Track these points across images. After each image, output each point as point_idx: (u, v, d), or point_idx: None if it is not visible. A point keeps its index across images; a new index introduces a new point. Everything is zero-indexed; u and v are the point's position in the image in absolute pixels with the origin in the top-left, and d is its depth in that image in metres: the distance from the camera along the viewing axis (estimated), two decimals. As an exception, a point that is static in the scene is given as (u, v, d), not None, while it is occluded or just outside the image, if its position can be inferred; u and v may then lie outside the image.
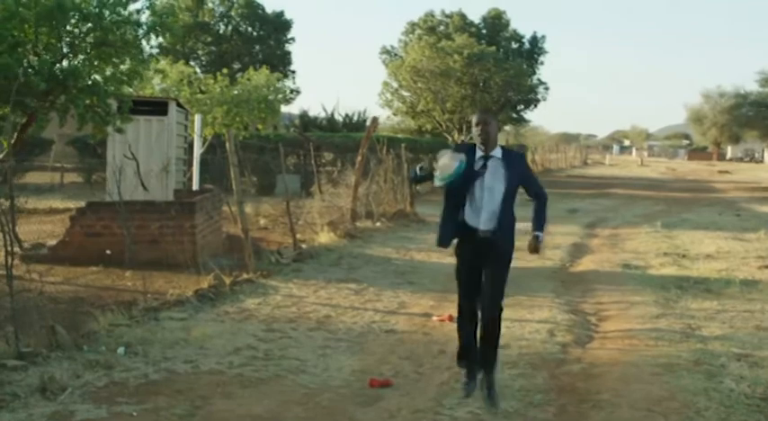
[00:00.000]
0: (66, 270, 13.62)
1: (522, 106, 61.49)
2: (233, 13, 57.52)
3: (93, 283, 12.89)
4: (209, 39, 56.06)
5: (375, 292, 12.91)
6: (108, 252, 14.03)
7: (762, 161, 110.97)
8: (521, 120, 67.05)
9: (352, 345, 9.68)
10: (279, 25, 58.46)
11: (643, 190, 43.60)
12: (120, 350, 8.88)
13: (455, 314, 7.97)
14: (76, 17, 12.69)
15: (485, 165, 7.43)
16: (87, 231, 14.83)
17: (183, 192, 17.44)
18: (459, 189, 7.43)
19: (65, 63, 12.90)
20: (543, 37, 62.23)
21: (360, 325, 10.69)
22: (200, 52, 55.97)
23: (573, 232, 22.21)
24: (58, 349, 8.62)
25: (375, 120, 23.78)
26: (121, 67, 13.57)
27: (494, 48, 54.36)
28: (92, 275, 13.42)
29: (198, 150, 21.40)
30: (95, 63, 13.30)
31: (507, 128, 75.12)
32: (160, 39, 15.05)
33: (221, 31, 57.12)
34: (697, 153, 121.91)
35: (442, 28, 59.92)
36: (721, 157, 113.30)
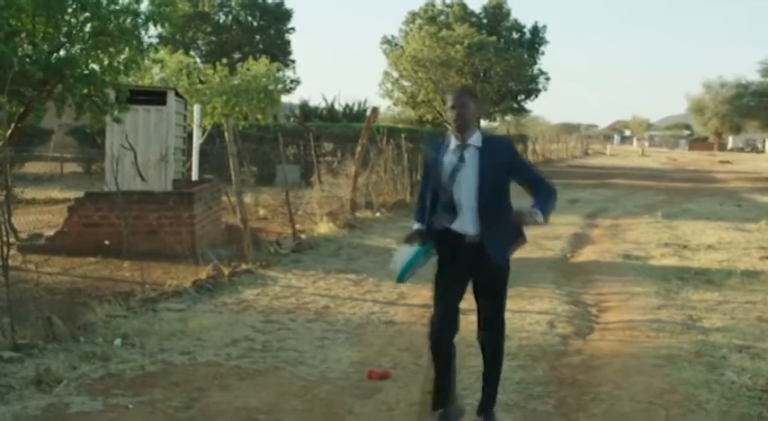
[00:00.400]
0: (63, 260, 13.56)
1: (523, 96, 61.47)
2: (233, 3, 57.52)
3: (91, 274, 12.83)
4: (209, 28, 56.04)
5: (374, 283, 12.84)
6: (106, 242, 13.96)
7: (763, 151, 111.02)
8: (521, 111, 67.02)
9: (351, 337, 9.62)
10: (279, 15, 58.44)
11: (644, 180, 43.53)
12: (117, 341, 8.82)
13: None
14: (74, 6, 12.61)
15: (462, 157, 6.29)
16: (85, 222, 14.77)
17: (181, 183, 17.38)
18: (440, 189, 6.37)
19: (62, 52, 12.82)
20: (544, 27, 62.24)
21: (359, 316, 10.62)
22: (200, 42, 55.95)
23: (573, 222, 22.13)
24: (55, 341, 8.56)
25: (375, 110, 23.66)
26: (120, 56, 13.50)
27: (494, 38, 54.30)
28: (90, 266, 13.36)
29: (197, 140, 21.34)
30: (93, 52, 13.22)
31: (508, 117, 75.10)
32: (159, 28, 14.95)
33: (221, 21, 57.10)
34: (698, 143, 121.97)
35: (442, 18, 59.84)
36: (722, 148, 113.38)
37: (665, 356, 8.79)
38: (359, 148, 21.65)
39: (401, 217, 21.96)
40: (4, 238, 8.79)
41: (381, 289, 12.45)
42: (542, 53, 61.75)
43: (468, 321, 6.69)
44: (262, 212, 21.79)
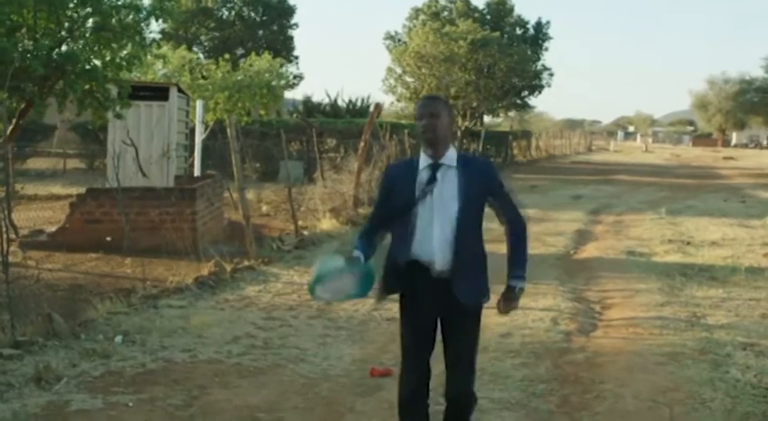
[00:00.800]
0: (65, 257, 13.52)
1: (527, 92, 61.25)
2: (236, -1, 57.39)
3: (93, 270, 12.80)
4: (212, 24, 55.93)
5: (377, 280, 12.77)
6: (108, 239, 13.94)
7: (767, 147, 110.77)
8: (525, 107, 66.80)
9: (353, 334, 9.58)
10: (282, 11, 58.34)
11: (647, 176, 43.44)
12: (118, 339, 8.79)
13: None
14: (75, 1, 12.59)
15: (434, 177, 5.29)
16: (87, 218, 14.73)
17: (183, 179, 17.35)
18: (403, 213, 5.32)
19: (63, 48, 12.78)
20: (548, 23, 61.96)
21: (361, 313, 10.56)
22: (202, 38, 55.86)
23: (577, 218, 22.09)
24: (55, 338, 8.53)
25: (378, 105, 23.59)
26: (122, 52, 13.46)
27: (498, 33, 54.11)
28: (91, 262, 13.33)
29: (199, 136, 21.31)
30: (95, 48, 13.19)
31: (512, 114, 74.94)
32: (161, 23, 14.93)
33: (224, 17, 57.00)
34: (702, 139, 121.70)
35: (446, 13, 59.66)
36: (726, 144, 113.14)
37: (668, 354, 8.75)
38: (362, 144, 21.59)
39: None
40: (4, 234, 8.76)
41: (384, 285, 12.38)
42: (546, 49, 61.55)
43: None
44: (264, 208, 21.75)
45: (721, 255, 15.51)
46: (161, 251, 13.52)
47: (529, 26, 61.31)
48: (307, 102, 48.55)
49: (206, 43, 55.77)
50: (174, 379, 7.63)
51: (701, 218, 22.34)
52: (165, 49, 27.21)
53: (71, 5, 12.63)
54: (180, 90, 17.76)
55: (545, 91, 68.60)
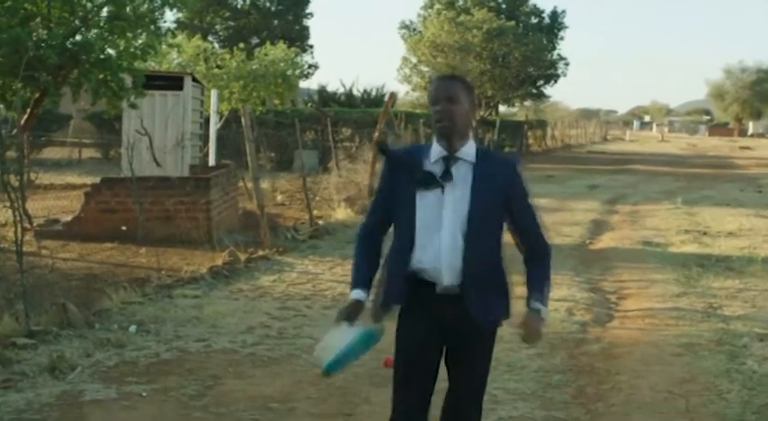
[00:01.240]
0: (80, 246, 13.53)
1: (542, 82, 61.10)
2: (251, -12, 57.35)
3: (108, 260, 12.80)
4: (227, 13, 55.91)
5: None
6: (123, 228, 13.94)
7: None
8: (540, 96, 66.65)
9: (368, 323, 9.53)
10: (297, 0, 58.23)
11: (663, 166, 43.29)
12: (132, 328, 8.78)
13: None
14: (90, -10, 12.59)
15: (447, 173, 4.31)
16: (102, 207, 14.72)
17: (198, 168, 17.34)
18: (407, 215, 4.36)
19: (78, 37, 12.78)
20: (563, 12, 61.75)
21: (376, 303, 10.52)
22: (217, 27, 55.87)
23: (593, 208, 22.03)
24: (69, 327, 8.53)
25: (393, 95, 23.55)
26: (136, 41, 13.47)
27: (513, 22, 53.99)
28: (106, 252, 13.34)
29: (214, 126, 21.30)
30: (109, 37, 13.19)
31: (527, 103, 74.76)
32: (176, 13, 14.94)
33: (239, 6, 56.94)
34: (718, 129, 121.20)
35: (461, 2, 59.49)
36: (743, 133, 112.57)
37: (685, 345, 8.70)
38: (376, 134, 21.56)
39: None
40: (19, 223, 8.77)
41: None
42: (561, 38, 61.42)
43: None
44: (279, 198, 21.75)
45: (738, 246, 15.43)
46: (176, 240, 13.52)
47: (544, 15, 61.11)
48: (322, 91, 48.54)
49: (221, 33, 55.77)
50: (188, 368, 7.61)
51: (717, 208, 22.26)
52: (180, 38, 27.29)
53: (85, -6, 12.65)
54: (195, 79, 17.76)
55: (560, 80, 68.18)
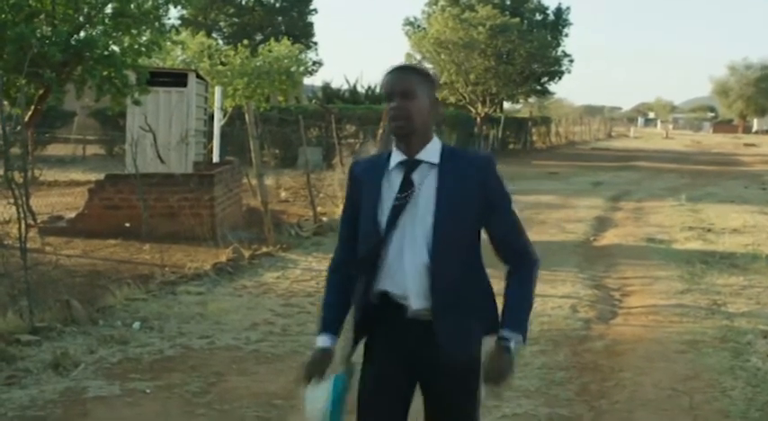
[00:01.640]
0: (84, 243, 13.54)
1: (547, 78, 61.01)
2: (255, -16, 57.37)
3: (111, 257, 12.81)
4: (231, 10, 55.94)
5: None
6: (127, 225, 13.94)
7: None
8: (545, 93, 66.58)
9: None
10: (301, -4, 58.27)
11: (667, 163, 43.25)
12: (136, 325, 8.79)
13: None
14: (94, -13, 12.59)
15: (408, 182, 3.70)
16: (106, 204, 14.73)
17: (202, 165, 17.33)
18: (369, 232, 3.74)
19: (82, 34, 12.79)
20: (568, 9, 61.77)
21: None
22: (222, 24, 55.91)
23: (597, 205, 21.99)
24: (73, 324, 8.55)
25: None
26: (140, 38, 13.47)
27: (518, 19, 53.88)
28: (110, 248, 13.34)
29: (218, 122, 21.29)
30: (113, 34, 13.19)
31: (531, 100, 74.68)
32: (180, 9, 14.94)
33: (243, 3, 56.97)
34: (722, 126, 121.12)
35: (465, -1, 59.50)
36: (747, 130, 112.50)
37: (688, 342, 8.69)
38: (381, 130, 21.54)
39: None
40: (23, 220, 8.79)
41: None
42: (566, 35, 61.33)
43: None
44: (283, 195, 21.74)
45: (742, 243, 15.41)
46: (179, 237, 13.51)
47: (549, 12, 61.03)
48: (326, 88, 48.54)
49: (225, 29, 55.82)
50: (192, 365, 7.62)
51: (721, 205, 22.23)
52: (184, 35, 27.29)
53: (89, -9, 12.65)
54: (199, 76, 17.74)
55: (565, 77, 68.24)
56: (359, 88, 47.46)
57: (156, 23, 13.47)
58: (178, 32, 24.99)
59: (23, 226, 8.76)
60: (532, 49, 52.56)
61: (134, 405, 6.60)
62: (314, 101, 44.85)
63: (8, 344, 7.72)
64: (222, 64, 27.64)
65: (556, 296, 10.79)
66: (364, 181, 3.84)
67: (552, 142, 61.31)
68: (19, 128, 10.30)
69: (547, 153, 50.04)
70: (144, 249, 13.06)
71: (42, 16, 12.38)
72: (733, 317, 9.82)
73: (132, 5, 12.99)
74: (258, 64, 28.50)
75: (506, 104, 65.37)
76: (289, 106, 34.87)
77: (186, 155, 15.97)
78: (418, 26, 60.94)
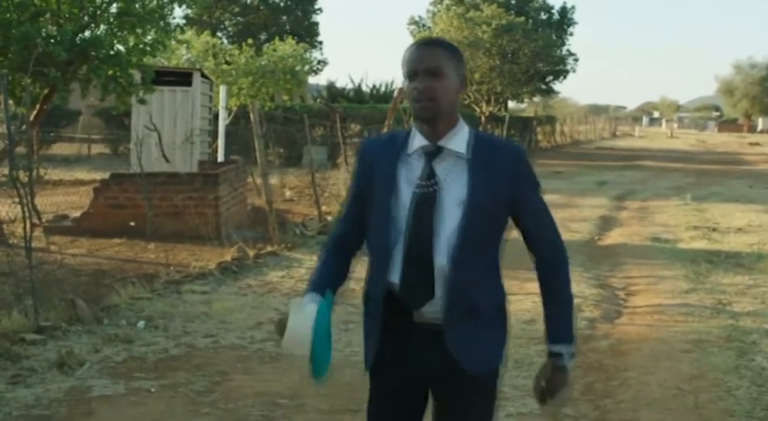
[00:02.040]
0: (89, 242, 13.53)
1: (551, 77, 60.99)
2: (260, -16, 57.39)
3: (116, 256, 12.81)
4: (236, 9, 55.97)
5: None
6: (132, 224, 13.95)
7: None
8: (550, 92, 66.56)
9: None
10: (306, -5, 58.30)
11: (672, 162, 43.21)
12: (141, 324, 8.80)
13: None
14: (99, -14, 12.60)
15: (431, 173, 3.34)
16: (111, 203, 14.75)
17: (207, 164, 17.35)
18: (380, 225, 3.40)
19: (87, 33, 12.80)
20: (573, 8, 61.65)
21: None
22: (226, 23, 55.95)
23: (601, 204, 21.98)
24: (78, 323, 8.55)
25: (402, 91, 23.46)
26: (145, 37, 13.48)
27: (522, 18, 53.88)
28: (115, 247, 13.34)
29: (223, 122, 21.30)
30: (118, 33, 13.21)
31: (536, 99, 74.65)
32: (184, 9, 14.95)
33: (248, 2, 56.99)
34: (727, 125, 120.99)
35: (470, -2, 59.49)
36: (752, 129, 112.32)
37: (693, 341, 8.68)
38: (385, 129, 21.53)
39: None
40: (28, 219, 8.80)
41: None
42: (571, 34, 61.34)
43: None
44: (288, 194, 21.74)
45: (747, 242, 15.40)
46: (184, 236, 13.53)
47: (554, 11, 61.03)
48: (330, 87, 48.52)
49: (230, 28, 55.86)
50: (197, 364, 7.62)
51: (726, 204, 22.21)
52: (189, 34, 27.32)
53: (94, -10, 12.66)
54: (203, 75, 17.76)
55: (570, 76, 68.14)
56: (363, 87, 47.40)
57: (161, 23, 13.47)
58: (183, 32, 25.06)
59: (28, 225, 8.77)
60: (537, 49, 52.54)
61: (139, 404, 6.61)
62: (319, 100, 44.85)
63: (13, 343, 7.73)
64: (227, 63, 27.67)
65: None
66: (377, 164, 3.46)
67: (557, 141, 61.24)
68: (24, 127, 10.31)
69: (551, 152, 49.99)
70: (149, 248, 13.07)
71: (47, 15, 12.38)
72: (738, 316, 9.81)
73: (137, 5, 13.00)
74: (263, 63, 28.53)
75: (511, 103, 65.37)
76: (293, 105, 34.84)
77: (191, 154, 15.98)
78: (423, 25, 60.97)
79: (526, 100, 71.20)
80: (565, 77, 60.56)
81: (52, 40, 11.74)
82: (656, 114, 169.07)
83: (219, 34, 47.63)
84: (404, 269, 3.34)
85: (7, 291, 9.13)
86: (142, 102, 14.01)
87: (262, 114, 16.42)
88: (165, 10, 13.48)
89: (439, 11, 59.09)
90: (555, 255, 3.54)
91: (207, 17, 52.37)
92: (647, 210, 21.29)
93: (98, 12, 12.84)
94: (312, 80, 47.79)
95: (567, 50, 60.01)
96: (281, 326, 3.46)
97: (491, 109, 50.87)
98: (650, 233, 16.78)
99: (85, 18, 12.78)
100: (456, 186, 3.31)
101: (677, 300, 10.68)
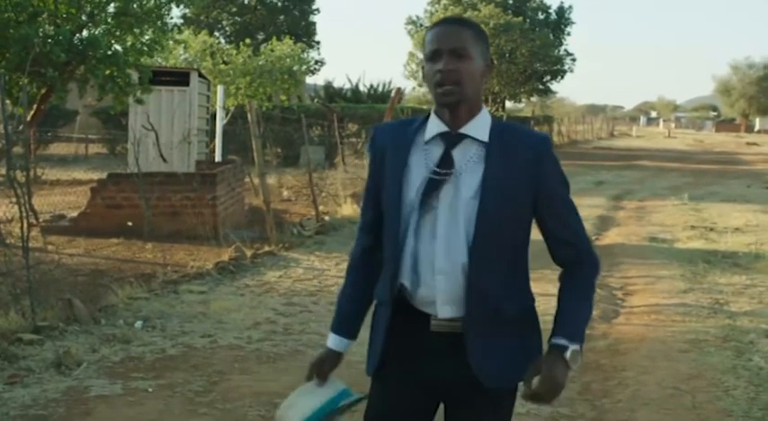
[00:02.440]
0: (86, 242, 13.52)
1: (549, 77, 61.11)
2: (257, -17, 57.39)
3: (114, 255, 12.80)
4: (234, 9, 55.97)
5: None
6: (129, 224, 13.94)
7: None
8: (547, 92, 66.67)
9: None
10: (303, -5, 58.31)
11: (670, 162, 43.23)
12: (138, 324, 8.79)
13: None
14: (96, -14, 12.59)
15: (447, 160, 3.04)
16: (109, 203, 14.75)
17: (204, 164, 17.34)
18: (393, 216, 3.11)
19: (84, 33, 12.80)
20: (570, 7, 61.85)
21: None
22: (224, 23, 55.95)
23: (599, 204, 21.97)
24: (75, 323, 8.54)
25: (399, 90, 23.47)
26: (143, 37, 13.48)
27: (520, 18, 54.00)
28: (112, 247, 13.33)
29: (220, 121, 21.30)
30: (116, 33, 13.20)
31: (534, 99, 74.74)
32: (182, 8, 14.94)
33: (246, 2, 56.98)
34: (725, 125, 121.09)
35: (467, -2, 59.51)
36: (749, 129, 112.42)
37: (691, 341, 8.69)
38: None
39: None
40: (25, 219, 8.80)
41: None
42: (568, 34, 61.48)
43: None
44: (285, 194, 21.74)
45: (744, 242, 15.39)
46: (182, 236, 13.54)
47: (551, 11, 61.14)
48: (328, 87, 48.51)
49: (227, 28, 55.87)
50: (194, 364, 7.61)
51: (724, 204, 22.23)
52: (187, 34, 27.30)
53: (92, -10, 12.65)
54: (201, 75, 17.75)
55: (567, 76, 68.29)
56: (361, 87, 47.40)
57: (159, 22, 13.45)
58: (180, 31, 25.00)
59: (26, 225, 8.78)
60: (535, 48, 52.70)
61: (136, 404, 6.60)
62: (316, 100, 44.84)
63: (10, 343, 7.71)
64: (224, 63, 27.66)
65: (558, 295, 10.76)
66: (389, 151, 3.17)
67: (554, 141, 61.24)
68: (21, 127, 10.29)
69: (549, 152, 49.91)
70: (146, 248, 13.06)
71: (45, 15, 12.37)
72: (735, 316, 9.81)
73: (135, 5, 12.98)
74: (260, 63, 28.53)
75: (509, 103, 65.47)
76: (291, 105, 34.89)
77: (188, 154, 15.97)
78: (421, 25, 61.06)
79: (524, 100, 71.36)
80: (562, 77, 60.76)
81: (50, 41, 11.73)
82: (653, 114, 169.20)
83: (217, 34, 47.59)
84: (426, 273, 3.04)
85: (4, 290, 9.12)
86: (139, 102, 14.00)
87: (259, 114, 16.42)
88: (163, 10, 13.45)
89: (437, 11, 59.23)
90: (582, 262, 3.23)
91: (204, 17, 52.36)
92: (644, 209, 21.30)
93: (96, 12, 12.82)
94: (310, 80, 47.85)
95: (565, 50, 60.20)
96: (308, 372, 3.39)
97: (489, 109, 50.69)
98: (648, 233, 16.78)
99: (83, 18, 12.77)
100: (475, 176, 3.01)
101: (675, 299, 10.68)
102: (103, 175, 15.71)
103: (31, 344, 7.80)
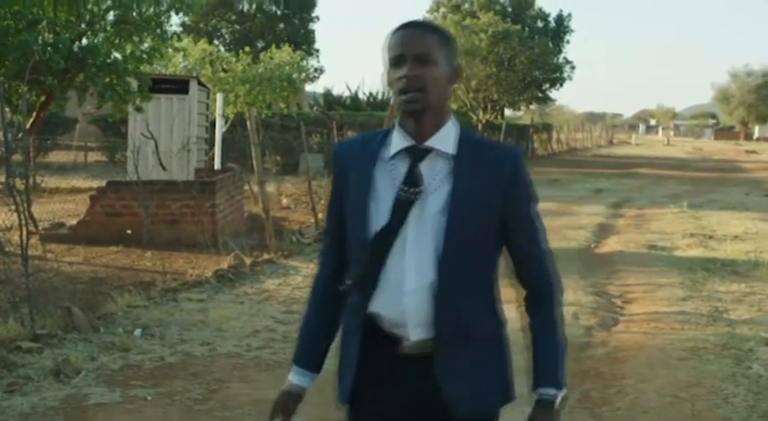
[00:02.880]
0: (85, 250, 13.53)
1: (548, 85, 61.05)
2: (257, -9, 57.43)
3: (113, 263, 12.80)
4: (233, 17, 55.98)
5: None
6: (128, 231, 13.94)
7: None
8: (546, 100, 66.62)
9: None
10: (303, 4, 58.25)
11: (669, 170, 43.23)
12: (137, 332, 8.79)
13: None
14: (96, -6, 12.61)
15: (414, 177, 2.89)
16: (108, 211, 14.74)
17: (204, 172, 17.35)
18: (358, 236, 2.96)
19: (84, 41, 12.80)
20: (569, 15, 61.76)
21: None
22: (223, 30, 55.95)
23: (598, 212, 21.99)
24: (74, 331, 8.54)
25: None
26: (142, 45, 13.49)
27: (519, 26, 53.96)
28: (111, 255, 13.33)
29: (220, 129, 21.30)
30: (115, 41, 13.21)
31: (533, 107, 74.71)
32: (181, 16, 14.97)
33: (245, 10, 57.00)
34: (724, 132, 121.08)
35: (467, 6, 59.49)
36: (748, 137, 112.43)
37: (690, 349, 8.68)
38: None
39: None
40: (24, 227, 8.80)
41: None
42: (567, 42, 61.44)
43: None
44: (284, 201, 21.74)
45: (744, 250, 15.39)
46: (181, 244, 13.53)
47: (550, 19, 61.13)
48: (327, 95, 48.55)
49: (226, 36, 55.83)
50: (193, 372, 7.61)
51: (723, 211, 22.22)
52: (186, 41, 27.30)
53: (92, -1, 12.66)
54: (200, 83, 17.77)
55: (566, 84, 68.21)
56: (360, 95, 47.44)
57: (158, 30, 13.46)
58: (180, 39, 24.99)
59: (25, 233, 8.77)
60: (534, 56, 52.63)
61: (135, 412, 6.60)
62: (315, 107, 44.87)
63: (9, 351, 7.71)
64: (224, 71, 27.66)
65: (557, 303, 10.75)
66: (352, 169, 3.01)
67: (554, 149, 61.29)
68: (21, 135, 10.29)
69: (548, 160, 50.01)
70: (145, 256, 13.06)
71: (44, 23, 12.37)
72: (735, 324, 9.81)
73: (134, 13, 12.99)
74: (260, 71, 28.52)
75: (507, 111, 65.39)
76: (290, 113, 34.89)
77: (188, 162, 15.99)
78: (420, 32, 60.95)
79: (523, 108, 71.22)
80: (561, 85, 60.57)
81: (49, 48, 11.73)
82: (652, 122, 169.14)
83: (216, 42, 47.56)
84: (387, 293, 2.91)
85: (3, 298, 9.12)
86: (139, 109, 14.01)
87: (258, 122, 16.42)
88: (162, 18, 13.46)
89: (435, 19, 59.14)
90: (545, 287, 3.11)
91: (204, 25, 52.36)
92: (643, 217, 21.30)
93: (95, 20, 12.83)
94: (309, 88, 47.79)
95: (564, 58, 60.10)
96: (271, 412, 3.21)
97: (487, 117, 50.97)
98: (647, 240, 16.78)
99: (83, 26, 12.77)
100: (443, 190, 2.87)
101: (674, 307, 10.68)
102: (103, 183, 15.70)
103: (29, 352, 7.79)
